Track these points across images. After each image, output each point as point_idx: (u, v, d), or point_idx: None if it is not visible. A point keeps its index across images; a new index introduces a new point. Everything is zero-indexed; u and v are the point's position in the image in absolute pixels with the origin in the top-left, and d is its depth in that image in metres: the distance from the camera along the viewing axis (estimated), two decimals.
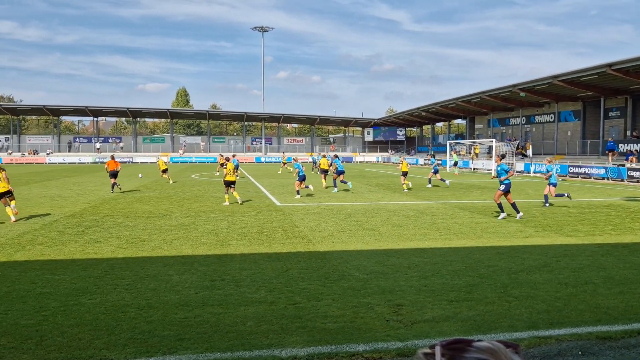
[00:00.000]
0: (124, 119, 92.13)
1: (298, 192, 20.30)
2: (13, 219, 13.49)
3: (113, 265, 8.60)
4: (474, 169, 46.53)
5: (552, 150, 46.22)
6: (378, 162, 75.72)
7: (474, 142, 51.67)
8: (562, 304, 6.48)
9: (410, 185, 24.15)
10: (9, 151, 73.90)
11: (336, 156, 24.94)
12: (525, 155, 44.91)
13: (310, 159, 45.80)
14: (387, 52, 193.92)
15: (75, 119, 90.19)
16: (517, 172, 39.04)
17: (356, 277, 7.77)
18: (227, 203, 17.50)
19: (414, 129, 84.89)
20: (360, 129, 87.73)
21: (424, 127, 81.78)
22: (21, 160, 70.31)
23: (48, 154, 72.56)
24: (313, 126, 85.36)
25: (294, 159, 19.97)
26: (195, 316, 5.97)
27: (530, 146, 44.77)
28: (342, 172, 23.48)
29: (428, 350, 0.90)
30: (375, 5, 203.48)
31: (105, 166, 22.76)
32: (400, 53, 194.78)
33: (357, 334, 5.40)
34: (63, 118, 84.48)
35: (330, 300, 6.58)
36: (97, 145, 76.17)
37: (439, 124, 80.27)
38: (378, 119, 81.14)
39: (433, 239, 11.15)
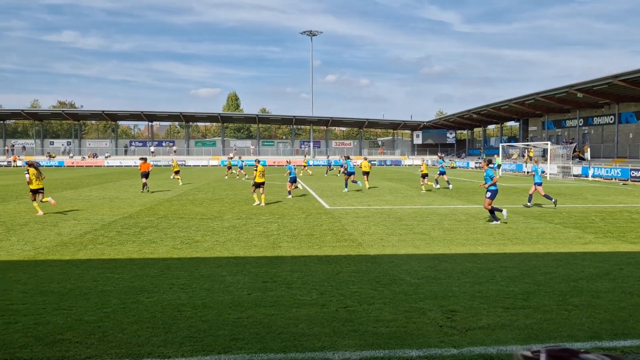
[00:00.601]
0: (177, 123, 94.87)
1: (289, 193, 21.58)
2: (40, 212, 15.52)
3: (169, 265, 8.86)
4: (528, 172, 45.10)
5: (612, 153, 44.24)
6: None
7: (527, 145, 50.15)
8: (627, 314, 6.18)
9: (432, 187, 25.58)
10: (71, 154, 77.53)
11: (348, 157, 26.33)
12: (582, 159, 43.18)
13: (327, 162, 47.67)
14: (437, 53, 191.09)
15: (131, 123, 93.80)
16: (574, 176, 37.58)
17: (407, 282, 7.68)
18: (257, 203, 18.48)
19: (465, 132, 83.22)
20: (409, 132, 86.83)
21: (475, 129, 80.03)
22: (81, 163, 73.61)
23: (106, 157, 75.64)
24: (361, 129, 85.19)
25: (287, 161, 21.33)
26: (248, 317, 6.05)
27: (589, 149, 43.02)
28: (353, 173, 24.64)
29: (529, 354, 0.87)
30: (424, 7, 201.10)
31: (139, 167, 24.76)
32: (450, 54, 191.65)
33: (410, 339, 5.33)
34: (120, 123, 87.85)
35: (381, 304, 6.53)
36: (152, 148, 78.77)
37: (491, 127, 78.38)
38: (427, 122, 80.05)
39: (486, 244, 10.88)
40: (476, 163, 59.33)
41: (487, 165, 14.54)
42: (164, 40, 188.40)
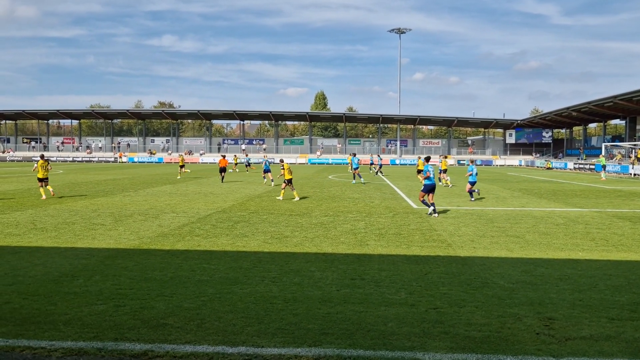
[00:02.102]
0: (266, 122, 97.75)
1: (264, 178, 28.76)
2: (44, 197, 18.69)
3: (260, 258, 9.17)
4: (635, 174, 41.71)
5: None
6: (520, 165, 71.28)
7: (635, 145, 46.39)
8: None
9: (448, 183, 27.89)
10: (169, 152, 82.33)
11: (354, 154, 32.78)
12: None
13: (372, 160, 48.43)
14: (532, 48, 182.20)
15: (224, 122, 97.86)
16: None
17: (501, 286, 7.39)
18: (280, 198, 19.65)
19: (562, 131, 78.47)
20: (501, 130, 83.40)
21: (575, 128, 75.21)
22: (179, 159, 77.92)
23: (201, 154, 79.53)
24: (450, 128, 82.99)
25: (264, 156, 23.95)
26: (337, 312, 6.12)
27: None
28: (357, 168, 30.83)
29: None
30: (520, 0, 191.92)
31: (218, 163, 30.77)
32: (547, 49, 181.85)
33: (504, 345, 5.14)
34: (214, 122, 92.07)
35: (473, 308, 6.34)
36: (243, 146, 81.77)
37: (592, 125, 73.27)
38: (521, 120, 76.44)
39: (587, 249, 10.21)
40: (574, 164, 55.75)
41: (426, 162, 16.08)
42: (255, 41, 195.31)
